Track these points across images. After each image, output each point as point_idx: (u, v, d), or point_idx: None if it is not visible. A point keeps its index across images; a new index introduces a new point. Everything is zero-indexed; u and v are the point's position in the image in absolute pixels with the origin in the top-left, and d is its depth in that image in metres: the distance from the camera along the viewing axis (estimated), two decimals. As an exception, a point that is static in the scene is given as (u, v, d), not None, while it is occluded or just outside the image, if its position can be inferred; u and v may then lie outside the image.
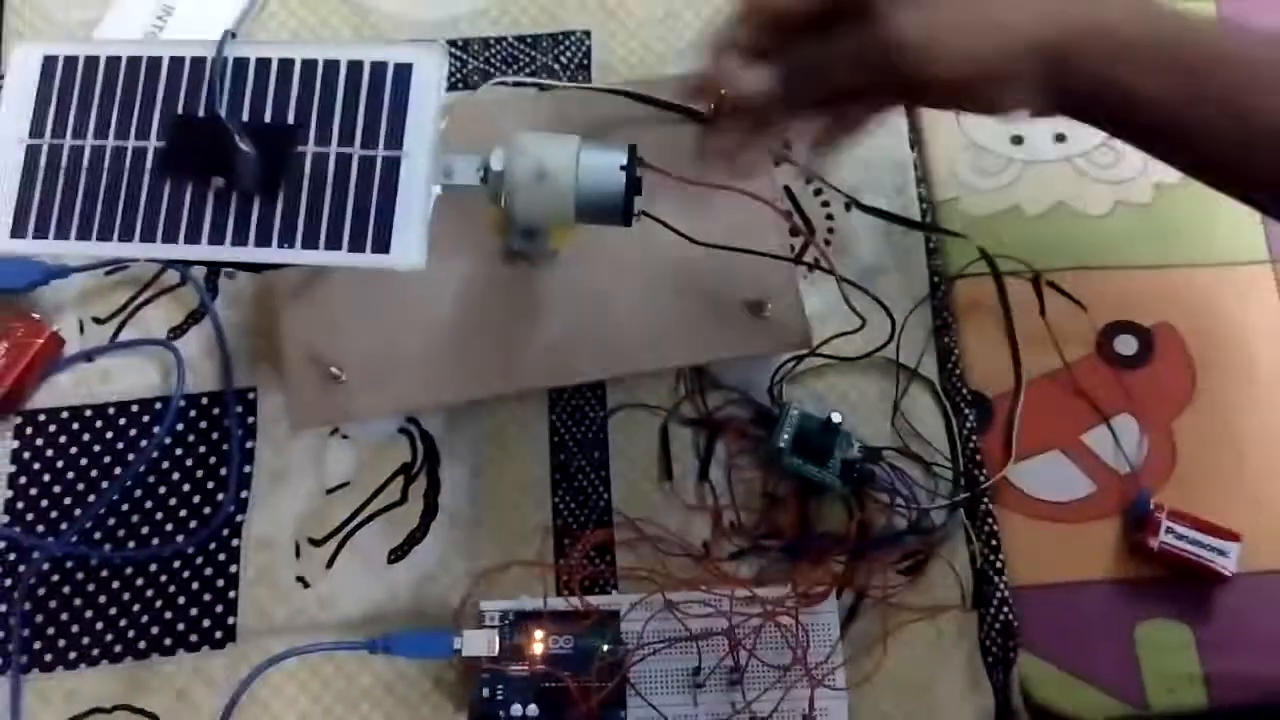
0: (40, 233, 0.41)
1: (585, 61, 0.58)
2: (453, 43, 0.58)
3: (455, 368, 0.46)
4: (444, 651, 0.47)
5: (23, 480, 0.50)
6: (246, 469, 0.51)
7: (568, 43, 0.58)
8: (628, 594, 0.49)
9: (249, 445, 0.51)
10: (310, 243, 0.40)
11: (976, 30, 0.39)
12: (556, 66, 0.58)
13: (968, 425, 0.52)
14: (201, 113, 0.41)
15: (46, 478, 0.50)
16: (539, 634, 0.48)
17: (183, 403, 0.51)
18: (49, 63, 0.42)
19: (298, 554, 0.50)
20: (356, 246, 0.40)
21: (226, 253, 0.40)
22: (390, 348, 0.46)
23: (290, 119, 0.41)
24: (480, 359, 0.46)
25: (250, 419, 0.51)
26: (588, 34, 0.58)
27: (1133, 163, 0.57)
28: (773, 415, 0.52)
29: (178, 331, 0.52)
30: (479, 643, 0.47)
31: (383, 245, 0.40)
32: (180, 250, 0.40)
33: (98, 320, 0.52)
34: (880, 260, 0.55)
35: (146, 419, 0.51)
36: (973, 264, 0.53)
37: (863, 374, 0.53)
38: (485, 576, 0.50)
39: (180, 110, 0.41)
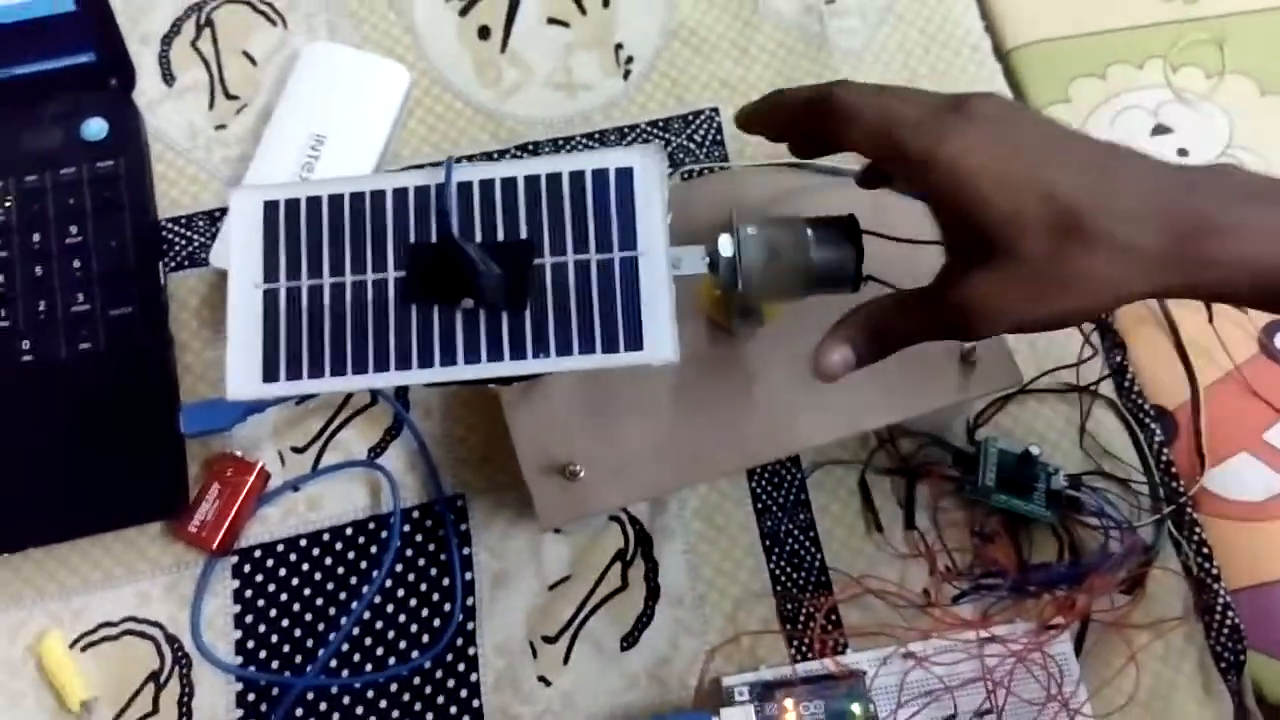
0: (293, 374, 0.41)
1: (718, 137, 0.60)
2: (589, 135, 0.59)
3: (685, 451, 0.46)
4: (702, 732, 0.47)
5: (249, 619, 0.50)
6: (468, 576, 0.51)
7: (698, 121, 0.60)
8: (861, 651, 0.50)
9: (466, 552, 0.51)
10: (564, 349, 0.41)
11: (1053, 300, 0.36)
12: (691, 145, 0.59)
13: (1156, 439, 0.53)
14: (434, 238, 0.42)
15: (272, 613, 0.50)
16: (789, 703, 0.48)
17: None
18: (270, 208, 0.43)
19: (534, 654, 0.50)
20: (610, 348, 0.41)
21: (485, 369, 0.41)
22: (618, 439, 0.46)
23: (523, 233, 0.42)
24: (707, 440, 0.47)
25: (463, 526, 0.52)
26: (715, 110, 0.60)
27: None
28: (965, 454, 0.53)
29: (377, 450, 0.53)
30: (737, 720, 0.47)
31: (635, 343, 0.41)
32: (438, 373, 0.41)
33: (296, 450, 0.53)
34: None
35: (361, 540, 0.51)
36: (1132, 284, 0.55)
37: (1040, 402, 0.55)
38: (718, 651, 0.50)
39: (413, 238, 0.42)
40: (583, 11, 0.62)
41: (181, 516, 0.50)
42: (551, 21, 0.62)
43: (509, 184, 0.42)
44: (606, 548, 0.52)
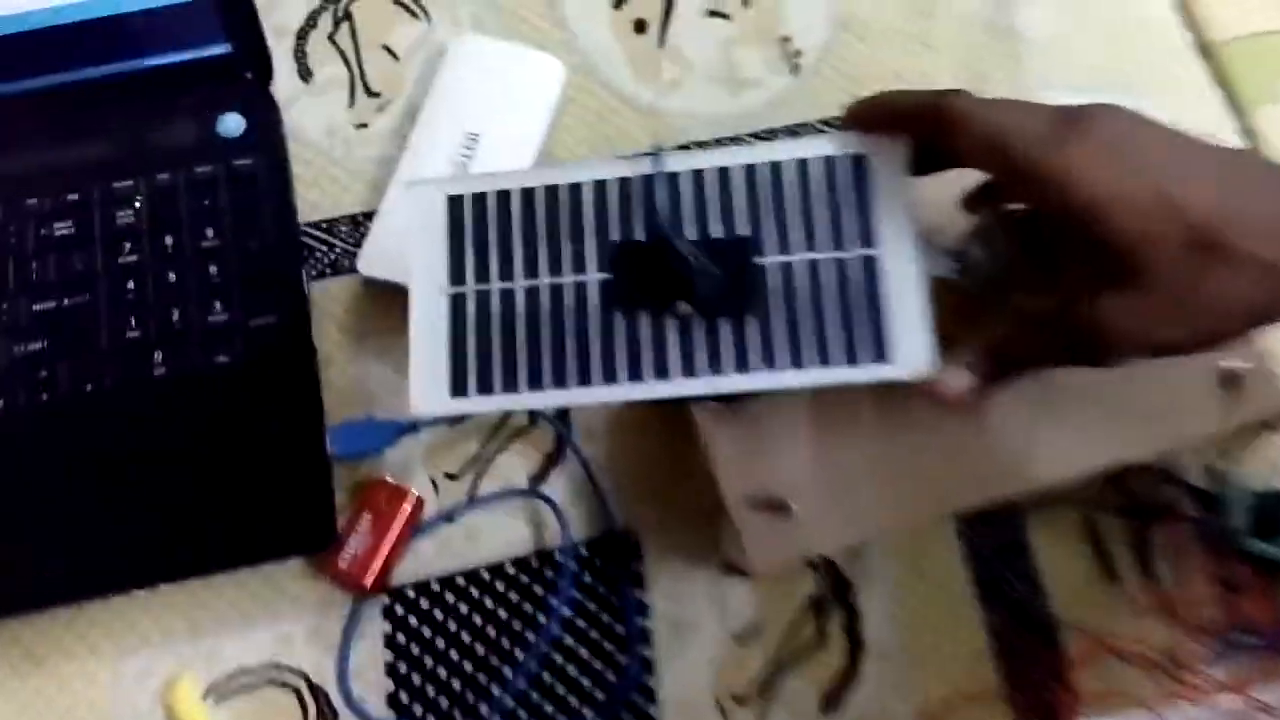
0: (484, 388, 0.36)
1: (903, 136, 0.54)
2: (756, 134, 0.54)
3: (910, 486, 0.41)
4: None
5: (402, 668, 0.45)
6: (643, 623, 0.45)
7: (878, 119, 0.55)
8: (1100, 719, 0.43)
9: (639, 596, 0.46)
10: (795, 361, 0.35)
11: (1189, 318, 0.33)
12: (873, 145, 0.54)
13: None
14: (641, 235, 0.37)
15: (428, 661, 0.45)
16: (1024, 776, 0.42)
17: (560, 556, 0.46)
18: (454, 202, 0.38)
19: (723, 715, 0.44)
20: (850, 359, 0.35)
21: (703, 384, 0.35)
22: (835, 470, 0.41)
23: (741, 229, 0.37)
24: (936, 474, 0.41)
25: (634, 566, 0.46)
26: (897, 107, 0.55)
27: None
28: (1204, 493, 0.46)
29: (539, 479, 0.47)
30: (969, 796, 0.41)
31: (880, 354, 0.35)
32: (650, 388, 0.36)
33: (450, 476, 0.48)
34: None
35: (525, 579, 0.46)
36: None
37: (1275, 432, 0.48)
38: (933, 717, 0.44)
39: (615, 236, 0.37)
40: (744, 3, 0.57)
41: (329, 550, 0.45)
42: (711, 14, 0.57)
43: (723, 174, 0.37)
44: (797, 593, 0.46)
